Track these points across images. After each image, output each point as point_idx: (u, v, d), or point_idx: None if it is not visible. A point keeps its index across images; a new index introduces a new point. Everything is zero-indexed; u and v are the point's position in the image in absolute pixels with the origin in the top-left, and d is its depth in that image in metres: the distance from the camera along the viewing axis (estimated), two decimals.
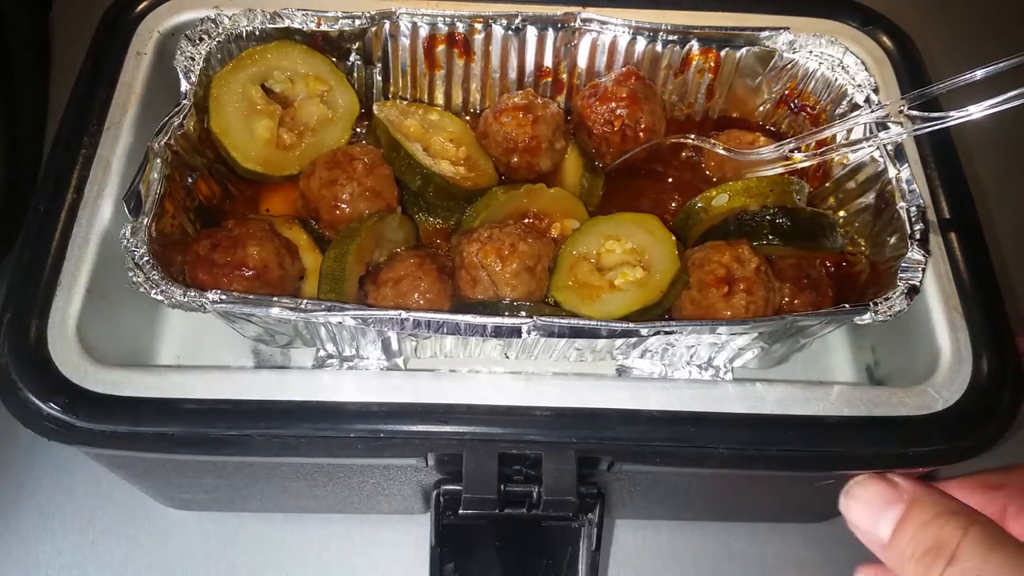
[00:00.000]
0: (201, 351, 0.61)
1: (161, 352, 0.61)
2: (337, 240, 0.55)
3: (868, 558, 0.68)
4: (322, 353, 0.57)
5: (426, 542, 0.54)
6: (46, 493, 0.66)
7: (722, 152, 0.60)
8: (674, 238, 0.55)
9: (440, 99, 0.65)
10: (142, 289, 0.47)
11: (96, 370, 0.48)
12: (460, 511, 0.48)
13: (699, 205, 0.58)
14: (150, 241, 0.48)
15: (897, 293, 0.49)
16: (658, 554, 0.67)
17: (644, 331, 0.48)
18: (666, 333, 0.48)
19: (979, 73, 0.49)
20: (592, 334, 0.48)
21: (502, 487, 0.47)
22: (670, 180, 0.64)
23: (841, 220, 0.58)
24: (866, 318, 0.49)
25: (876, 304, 0.49)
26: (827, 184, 0.61)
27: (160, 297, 0.47)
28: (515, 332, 0.48)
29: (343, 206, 0.55)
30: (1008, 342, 0.52)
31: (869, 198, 0.57)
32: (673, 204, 0.63)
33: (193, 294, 0.47)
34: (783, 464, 0.48)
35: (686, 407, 0.48)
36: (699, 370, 0.57)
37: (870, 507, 0.45)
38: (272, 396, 0.48)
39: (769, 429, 0.48)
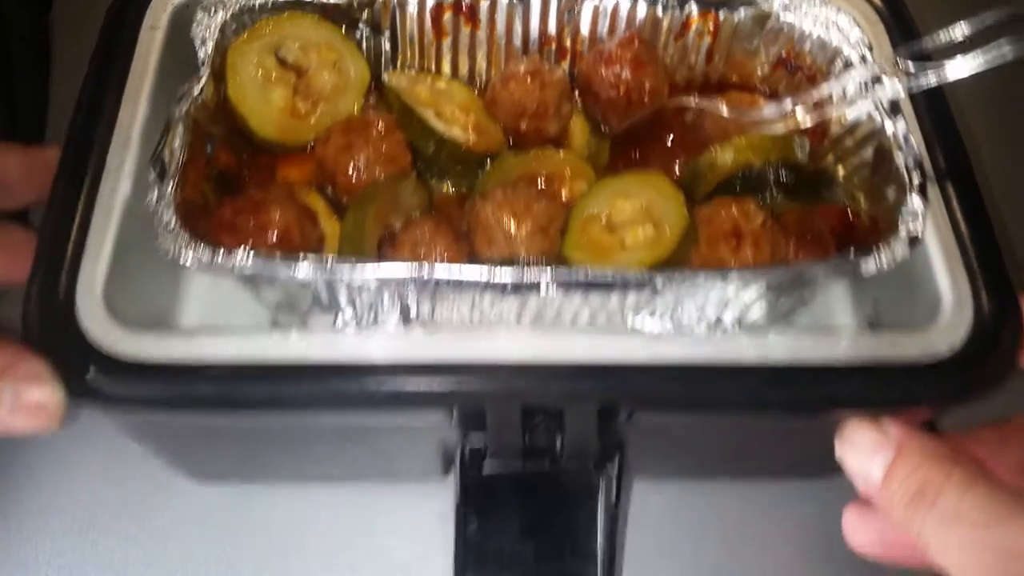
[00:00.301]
0: (223, 321, 0.62)
1: (183, 322, 0.62)
2: (355, 203, 0.56)
3: None
4: (339, 322, 0.58)
5: (446, 510, 0.56)
6: (46, 493, 0.67)
7: (725, 113, 0.62)
8: (681, 194, 0.57)
9: (447, 68, 0.66)
10: (171, 253, 0.48)
11: (125, 335, 0.49)
12: (485, 466, 0.49)
13: (704, 164, 0.59)
14: (175, 207, 0.49)
15: (899, 241, 0.51)
16: (673, 513, 0.69)
17: (659, 280, 0.49)
18: (679, 282, 0.49)
19: (969, 29, 0.51)
20: (608, 286, 0.49)
21: (526, 437, 0.48)
22: (674, 142, 0.65)
23: (841, 177, 0.60)
24: (870, 265, 0.50)
25: (879, 251, 0.50)
26: (826, 142, 0.62)
27: (188, 261, 0.48)
28: (533, 286, 0.48)
29: (359, 171, 0.57)
30: (1007, 288, 0.54)
31: (867, 153, 0.58)
32: (677, 165, 0.64)
33: (221, 256, 0.48)
34: (792, 408, 0.50)
35: (700, 358, 0.50)
36: (707, 329, 0.59)
37: (862, 452, 0.47)
38: (300, 356, 0.49)
39: (778, 375, 0.50)
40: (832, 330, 0.52)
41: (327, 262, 0.48)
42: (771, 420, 0.53)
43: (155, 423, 0.53)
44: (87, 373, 0.48)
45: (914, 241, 0.51)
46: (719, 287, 0.53)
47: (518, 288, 0.48)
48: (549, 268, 0.48)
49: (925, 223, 0.52)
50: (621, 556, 0.67)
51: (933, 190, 0.56)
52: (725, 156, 0.58)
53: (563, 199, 0.60)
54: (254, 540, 0.66)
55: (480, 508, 0.52)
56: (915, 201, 0.52)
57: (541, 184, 0.60)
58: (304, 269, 0.48)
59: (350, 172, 0.57)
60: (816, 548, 0.69)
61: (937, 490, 0.41)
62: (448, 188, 0.62)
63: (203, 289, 0.63)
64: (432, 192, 0.61)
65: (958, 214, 0.56)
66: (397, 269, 0.48)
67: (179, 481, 0.68)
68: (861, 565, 0.68)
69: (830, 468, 0.69)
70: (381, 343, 0.50)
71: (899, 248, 0.51)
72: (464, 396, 0.49)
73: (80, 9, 0.68)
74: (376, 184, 0.56)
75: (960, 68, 0.50)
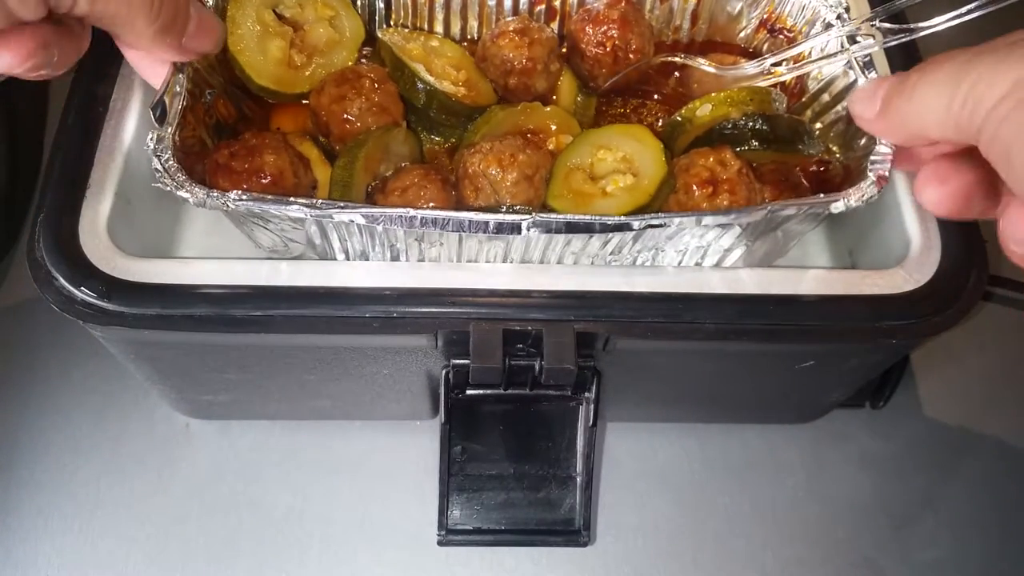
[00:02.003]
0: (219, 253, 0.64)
1: (182, 254, 0.65)
2: (346, 149, 0.58)
3: (850, 460, 0.73)
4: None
5: (434, 449, 0.58)
6: (46, 493, 0.69)
7: (708, 69, 0.64)
8: (661, 144, 0.59)
9: (439, 28, 0.69)
10: (168, 189, 0.50)
11: (125, 261, 0.53)
12: (468, 386, 0.52)
13: (683, 116, 0.61)
14: (174, 148, 0.52)
15: (868, 182, 0.52)
16: (651, 456, 0.72)
17: (635, 224, 0.51)
18: (655, 226, 0.51)
19: None
20: (587, 228, 0.51)
21: (507, 360, 0.51)
22: (658, 98, 0.67)
23: (818, 131, 0.62)
24: (839, 205, 0.52)
25: (849, 193, 0.52)
26: (803, 99, 0.65)
27: (186, 195, 0.50)
28: (515, 228, 0.50)
29: (352, 119, 0.59)
30: (974, 231, 0.56)
31: (842, 107, 0.61)
32: (660, 121, 0.66)
33: (216, 194, 0.50)
34: (764, 337, 0.52)
35: (675, 288, 0.53)
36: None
37: (862, 97, 0.48)
38: (291, 283, 0.52)
39: (751, 305, 0.52)
40: (801, 268, 0.54)
41: (316, 203, 0.50)
42: (744, 350, 0.55)
43: (152, 345, 0.55)
44: (87, 294, 0.51)
45: (882, 180, 0.53)
46: (694, 230, 0.55)
47: (501, 229, 0.50)
48: (531, 214, 0.50)
49: (893, 165, 0.54)
50: (597, 483, 0.70)
51: None
52: (704, 109, 0.60)
53: (549, 150, 0.62)
54: (254, 541, 0.68)
55: (464, 431, 0.55)
56: (883, 144, 0.54)
57: (528, 137, 0.62)
58: (294, 210, 0.50)
59: (343, 121, 0.59)
60: (796, 491, 0.71)
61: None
62: (438, 141, 0.64)
63: (201, 228, 0.66)
64: (422, 143, 0.63)
65: None
66: (383, 212, 0.50)
67: (179, 482, 0.70)
68: (839, 509, 0.71)
69: (801, 413, 0.72)
70: (368, 271, 0.52)
71: (867, 188, 0.53)
72: (447, 320, 0.51)
73: None
74: (367, 132, 0.59)
75: (934, 22, 0.52)
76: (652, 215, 0.51)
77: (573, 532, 0.58)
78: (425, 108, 0.62)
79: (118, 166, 0.56)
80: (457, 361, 0.53)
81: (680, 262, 0.60)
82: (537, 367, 0.51)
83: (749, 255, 0.60)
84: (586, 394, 0.55)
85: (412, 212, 0.50)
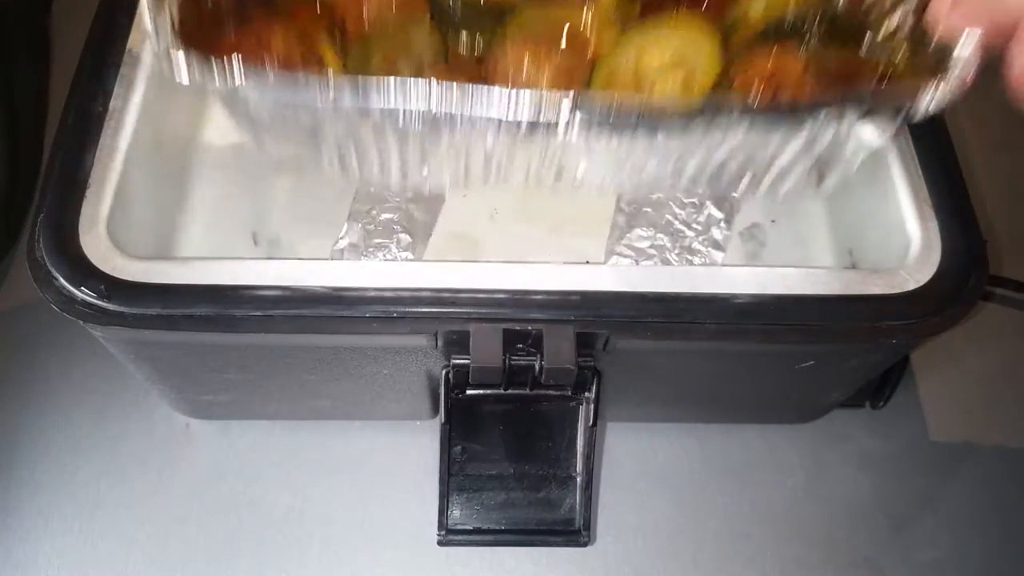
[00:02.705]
0: (219, 253, 0.65)
1: (182, 255, 0.65)
2: (362, 42, 0.54)
3: (850, 461, 0.73)
4: (338, 246, 0.58)
5: (434, 449, 0.58)
6: (46, 493, 0.68)
7: None
8: (717, 35, 0.54)
9: None
10: (169, 56, 0.46)
11: (125, 261, 0.53)
12: (468, 386, 0.52)
13: (736, 15, 0.56)
14: (179, 22, 0.47)
15: (950, 80, 0.47)
16: (651, 456, 0.72)
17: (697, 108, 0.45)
18: (728, 113, 0.46)
19: None
20: (640, 121, 0.45)
21: (507, 360, 0.51)
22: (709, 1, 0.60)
23: (884, 29, 0.55)
24: (923, 101, 0.47)
25: (934, 86, 0.47)
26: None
27: (182, 62, 0.45)
28: (553, 123, 0.44)
29: (370, 13, 0.54)
30: (974, 230, 0.56)
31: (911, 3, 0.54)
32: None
33: (219, 64, 0.45)
34: (764, 337, 0.52)
35: (675, 288, 0.53)
36: (701, 243, 0.57)
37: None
38: (291, 283, 0.52)
39: (751, 305, 0.52)
40: (803, 268, 0.54)
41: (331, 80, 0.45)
42: (744, 350, 0.55)
43: (152, 345, 0.55)
44: (87, 293, 0.51)
45: (962, 84, 0.47)
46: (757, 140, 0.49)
47: (535, 117, 0.45)
48: (573, 95, 0.44)
49: (972, 69, 0.48)
50: (597, 483, 0.70)
51: (905, 137, 0.58)
52: (757, 5, 0.55)
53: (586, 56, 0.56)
54: (254, 541, 0.68)
55: (464, 431, 0.55)
56: (962, 48, 0.47)
57: (563, 40, 0.56)
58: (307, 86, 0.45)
59: (361, 15, 0.55)
60: (795, 491, 0.71)
61: None
62: (465, 43, 0.57)
63: (201, 226, 0.66)
64: (447, 45, 0.57)
65: (930, 161, 0.58)
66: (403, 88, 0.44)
67: (179, 482, 0.70)
68: (838, 509, 0.71)
69: (801, 413, 0.72)
70: (369, 270, 0.52)
71: (953, 84, 0.47)
72: (447, 320, 0.51)
73: (80, 9, 0.70)
74: (386, 24, 0.54)
75: None
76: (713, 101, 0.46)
77: (573, 532, 0.58)
78: (451, 4, 0.56)
79: (118, 166, 0.56)
80: (457, 361, 0.53)
81: (725, 186, 0.56)
82: (537, 367, 0.51)
83: (811, 174, 0.56)
84: (586, 394, 0.55)
85: (429, 82, 0.44)
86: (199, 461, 0.71)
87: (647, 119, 0.46)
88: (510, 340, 0.51)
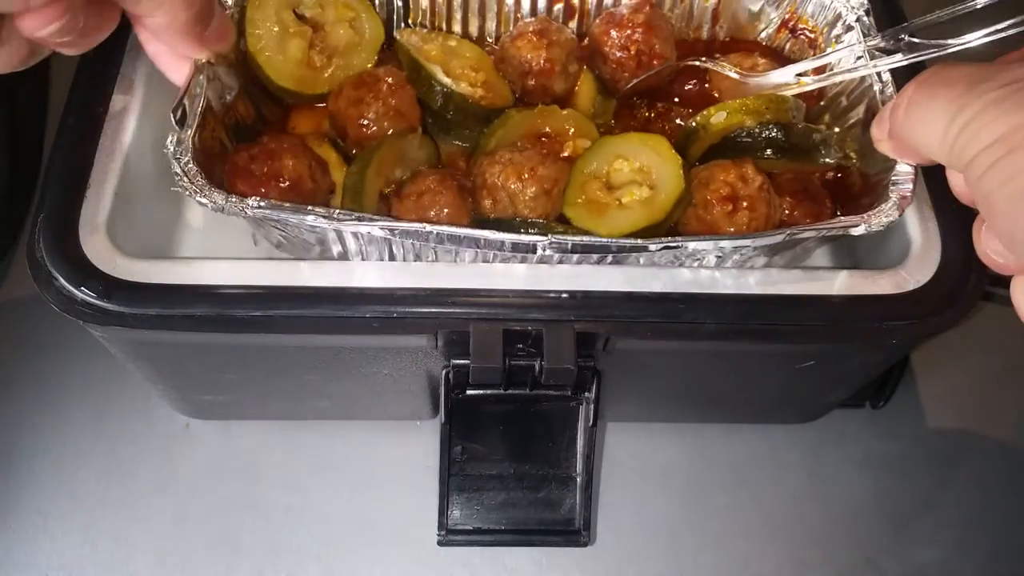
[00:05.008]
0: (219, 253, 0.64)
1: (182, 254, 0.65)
2: (359, 155, 0.57)
3: (850, 460, 0.73)
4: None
5: (434, 449, 0.58)
6: (46, 493, 0.68)
7: (731, 74, 0.62)
8: (680, 159, 0.57)
9: (458, 28, 0.68)
10: (187, 194, 0.49)
11: (125, 261, 0.52)
12: (468, 386, 0.52)
13: (697, 123, 0.60)
14: (194, 151, 0.51)
15: (889, 204, 0.52)
16: (651, 456, 0.72)
17: (652, 247, 0.50)
18: (671, 247, 0.50)
19: (980, 1, 0.50)
20: (602, 250, 0.51)
21: (507, 360, 0.51)
22: (677, 101, 0.66)
23: (835, 136, 0.60)
24: (860, 229, 0.51)
25: (870, 216, 0.51)
26: (822, 102, 0.63)
27: (205, 201, 0.49)
28: (531, 248, 0.50)
29: (368, 123, 0.58)
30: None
31: (859, 112, 0.60)
32: (681, 125, 0.64)
33: (235, 200, 0.49)
34: (764, 337, 0.52)
35: (675, 288, 0.53)
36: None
37: (877, 119, 0.50)
38: (291, 283, 0.52)
39: (751, 305, 0.53)
40: (803, 268, 0.54)
41: (333, 213, 0.49)
42: (744, 350, 0.55)
43: (152, 345, 0.55)
44: (87, 294, 0.51)
45: (903, 201, 0.52)
46: (712, 254, 0.54)
47: (517, 248, 0.50)
48: (547, 236, 0.49)
49: (916, 183, 0.53)
50: (598, 483, 0.70)
51: None
52: (719, 116, 0.59)
53: (565, 155, 0.61)
54: (254, 541, 0.68)
55: (464, 431, 0.55)
56: (903, 164, 0.52)
57: (544, 141, 0.61)
58: (311, 219, 0.49)
59: (360, 125, 0.58)
60: (796, 491, 0.71)
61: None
62: (455, 143, 0.63)
63: (201, 227, 0.65)
64: (439, 149, 0.62)
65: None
66: (399, 227, 0.49)
67: (179, 482, 0.70)
68: (839, 509, 0.71)
69: (801, 413, 0.72)
70: (369, 271, 0.52)
71: (890, 210, 0.51)
72: (447, 320, 0.51)
73: None
74: (381, 138, 0.58)
75: (966, 39, 0.49)
76: (669, 239, 0.50)
77: (573, 532, 0.58)
78: (442, 110, 0.61)
79: (118, 166, 0.56)
80: (457, 361, 0.53)
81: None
82: (537, 367, 0.51)
83: (769, 265, 0.59)
84: (586, 394, 0.55)
85: (428, 228, 0.49)
86: (199, 461, 0.71)
87: (612, 249, 0.50)
88: (510, 340, 0.51)
